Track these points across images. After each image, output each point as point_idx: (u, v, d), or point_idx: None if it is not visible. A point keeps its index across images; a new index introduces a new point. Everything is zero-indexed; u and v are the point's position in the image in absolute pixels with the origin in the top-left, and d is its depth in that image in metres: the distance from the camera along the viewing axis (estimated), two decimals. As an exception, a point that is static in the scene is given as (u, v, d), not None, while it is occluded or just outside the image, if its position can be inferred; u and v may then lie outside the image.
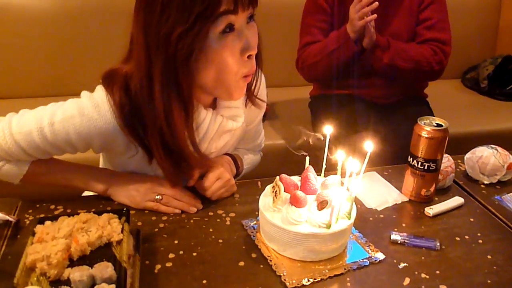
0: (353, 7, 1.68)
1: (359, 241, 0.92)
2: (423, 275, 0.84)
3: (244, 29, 0.87)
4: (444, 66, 1.83)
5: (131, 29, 0.91)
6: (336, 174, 0.92)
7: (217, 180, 1.03)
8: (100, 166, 1.16)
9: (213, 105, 1.04)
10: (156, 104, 0.88)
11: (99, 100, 0.91)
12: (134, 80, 0.90)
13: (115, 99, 0.90)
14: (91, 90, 0.95)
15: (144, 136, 0.94)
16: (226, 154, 1.15)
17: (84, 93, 0.94)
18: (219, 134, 1.06)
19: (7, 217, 0.91)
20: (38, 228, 0.78)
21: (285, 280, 0.80)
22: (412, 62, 1.77)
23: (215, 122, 1.02)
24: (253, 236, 0.92)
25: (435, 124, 1.02)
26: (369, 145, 0.87)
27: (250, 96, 1.06)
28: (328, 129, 0.95)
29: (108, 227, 0.78)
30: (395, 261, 0.87)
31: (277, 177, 0.88)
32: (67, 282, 0.68)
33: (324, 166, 0.96)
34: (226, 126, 1.05)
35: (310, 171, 0.90)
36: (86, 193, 1.11)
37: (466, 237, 0.95)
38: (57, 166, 1.02)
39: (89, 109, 0.91)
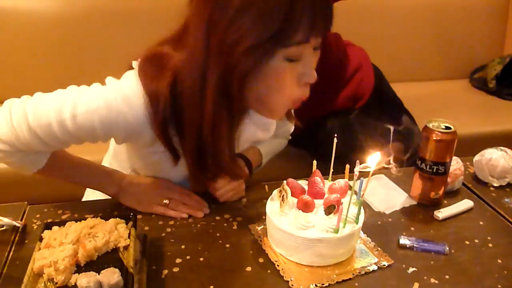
0: None
1: (367, 245, 0.91)
2: (432, 280, 0.83)
3: (310, 56, 0.82)
4: None
5: (188, 15, 0.83)
6: (343, 178, 0.92)
7: (229, 182, 1.02)
8: (112, 155, 1.15)
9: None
10: (205, 111, 0.82)
11: (129, 91, 0.84)
12: (187, 81, 0.82)
13: (159, 96, 0.83)
14: None
15: (176, 136, 0.89)
16: (239, 155, 1.09)
17: (110, 81, 0.87)
18: (248, 142, 1.04)
19: (14, 223, 0.92)
20: (46, 233, 0.78)
21: (293, 285, 0.80)
22: None
23: (247, 131, 0.99)
24: (260, 240, 0.91)
25: (444, 127, 1.01)
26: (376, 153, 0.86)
27: (288, 112, 1.03)
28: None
29: (115, 233, 0.78)
30: (403, 265, 0.86)
31: (284, 181, 0.87)
32: (74, 288, 0.68)
33: (331, 170, 0.95)
34: (256, 135, 1.03)
35: (318, 175, 0.90)
36: (92, 197, 1.11)
37: (476, 241, 0.94)
38: (73, 162, 0.99)
39: (118, 101, 0.83)
